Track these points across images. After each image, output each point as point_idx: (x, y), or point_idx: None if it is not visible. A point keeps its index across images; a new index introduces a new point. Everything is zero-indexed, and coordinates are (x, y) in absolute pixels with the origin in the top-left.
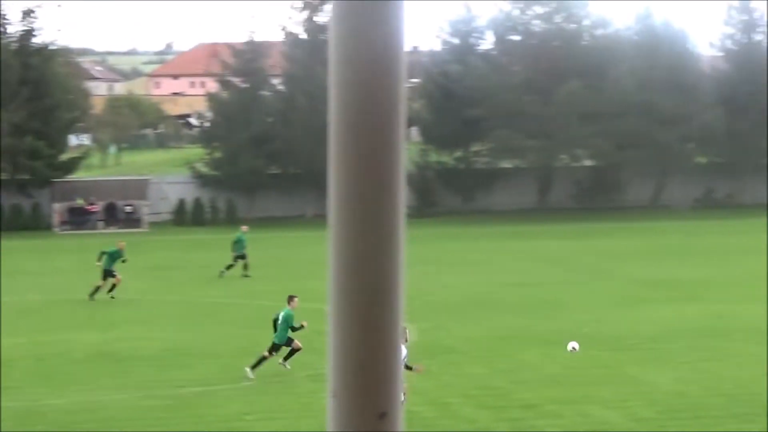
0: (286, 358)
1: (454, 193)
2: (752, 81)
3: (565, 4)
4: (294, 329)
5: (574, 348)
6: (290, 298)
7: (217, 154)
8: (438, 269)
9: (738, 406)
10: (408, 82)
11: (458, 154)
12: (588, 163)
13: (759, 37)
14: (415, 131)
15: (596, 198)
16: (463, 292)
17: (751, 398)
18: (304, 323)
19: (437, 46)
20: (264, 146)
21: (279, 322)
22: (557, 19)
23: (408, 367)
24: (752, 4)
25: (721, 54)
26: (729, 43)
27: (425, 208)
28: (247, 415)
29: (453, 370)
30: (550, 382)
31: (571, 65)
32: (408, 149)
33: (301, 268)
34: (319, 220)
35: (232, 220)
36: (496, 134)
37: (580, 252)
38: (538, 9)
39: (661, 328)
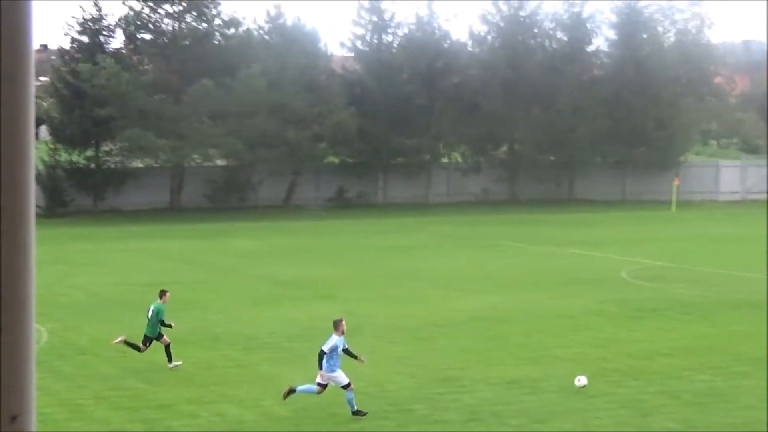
0: (169, 360)
1: (84, 193)
2: (382, 81)
3: (196, 3)
4: (164, 324)
5: (584, 384)
6: (162, 293)
7: None
8: (69, 269)
9: (372, 403)
10: (36, 81)
11: (89, 153)
12: (220, 162)
13: (389, 38)
14: (44, 130)
15: (229, 197)
16: (94, 292)
17: (384, 395)
18: (173, 324)
19: (66, 44)
20: None
21: (150, 315)
22: (188, 18)
23: (353, 356)
24: (382, 5)
25: (351, 54)
26: (359, 44)
27: (55, 207)
28: None
29: (85, 371)
30: (185, 381)
31: (201, 64)
32: (37, 148)
33: None
34: None
35: None
36: (126, 133)
37: (213, 251)
38: (169, 8)
39: (294, 327)
